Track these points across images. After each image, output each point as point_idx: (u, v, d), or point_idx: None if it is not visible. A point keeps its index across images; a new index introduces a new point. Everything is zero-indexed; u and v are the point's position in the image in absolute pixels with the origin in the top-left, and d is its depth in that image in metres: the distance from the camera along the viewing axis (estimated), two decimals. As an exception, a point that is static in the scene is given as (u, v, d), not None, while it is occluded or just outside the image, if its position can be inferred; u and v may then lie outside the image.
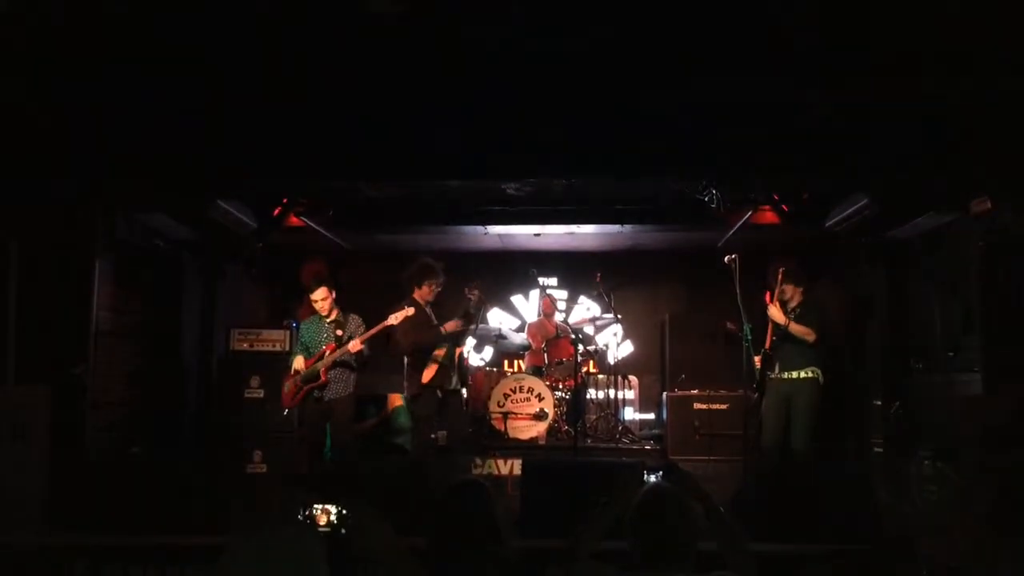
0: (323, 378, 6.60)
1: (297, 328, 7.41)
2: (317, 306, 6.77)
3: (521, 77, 5.62)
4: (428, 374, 6.74)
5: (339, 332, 6.70)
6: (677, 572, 2.65)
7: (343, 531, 2.78)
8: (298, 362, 6.70)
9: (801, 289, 6.63)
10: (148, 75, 5.68)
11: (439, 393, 6.84)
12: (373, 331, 6.74)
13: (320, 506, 2.83)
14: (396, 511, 4.93)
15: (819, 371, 6.48)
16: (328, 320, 6.77)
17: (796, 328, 6.43)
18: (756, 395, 6.74)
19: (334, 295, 6.82)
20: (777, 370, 6.59)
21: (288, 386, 6.77)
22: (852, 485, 5.16)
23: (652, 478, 3.02)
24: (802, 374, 6.46)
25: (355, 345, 6.58)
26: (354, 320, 6.85)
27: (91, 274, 6.58)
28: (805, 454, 6.36)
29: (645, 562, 2.71)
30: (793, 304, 6.60)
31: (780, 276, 6.63)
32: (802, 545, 4.20)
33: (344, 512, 2.84)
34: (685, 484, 2.99)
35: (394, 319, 6.77)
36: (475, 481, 3.05)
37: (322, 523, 2.86)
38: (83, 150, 5.95)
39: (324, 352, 6.62)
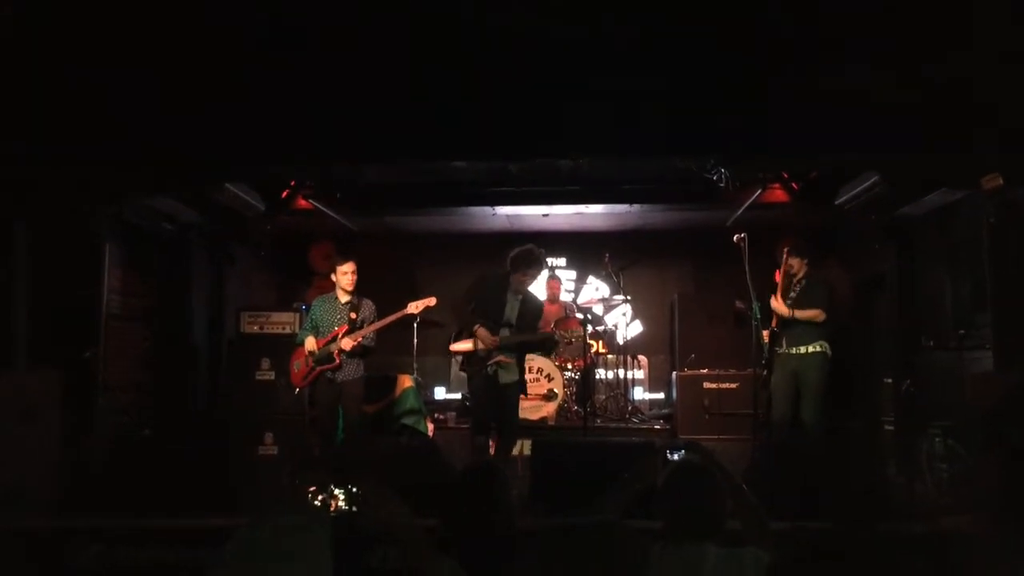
0: (337, 360, 6.59)
1: (307, 309, 7.40)
2: (345, 280, 6.68)
3: (525, 57, 5.59)
4: (459, 347, 6.60)
5: (353, 315, 6.68)
6: (706, 544, 2.70)
7: (354, 509, 2.79)
8: (310, 342, 6.66)
9: (806, 261, 6.63)
10: (153, 59, 5.68)
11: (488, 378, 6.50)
12: (391, 319, 6.75)
13: (330, 490, 2.83)
14: (409, 492, 4.97)
15: (827, 345, 6.49)
16: (343, 301, 6.75)
17: (802, 314, 6.45)
18: (764, 372, 6.75)
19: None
20: (785, 346, 6.60)
21: (299, 365, 6.76)
22: (863, 463, 5.17)
23: (675, 456, 3.06)
24: (810, 348, 6.49)
25: (360, 336, 6.59)
26: (367, 305, 6.83)
27: (100, 258, 6.60)
28: (815, 427, 6.38)
29: (675, 535, 2.76)
30: (799, 277, 6.60)
31: (785, 252, 6.64)
32: (812, 523, 4.20)
33: (355, 491, 2.85)
34: (708, 461, 3.03)
35: (414, 308, 6.78)
36: (491, 463, 3.07)
37: (332, 508, 2.86)
38: (91, 133, 5.94)
39: (337, 333, 6.61)
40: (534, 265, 6.53)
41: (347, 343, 6.54)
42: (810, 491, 4.64)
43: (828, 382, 6.48)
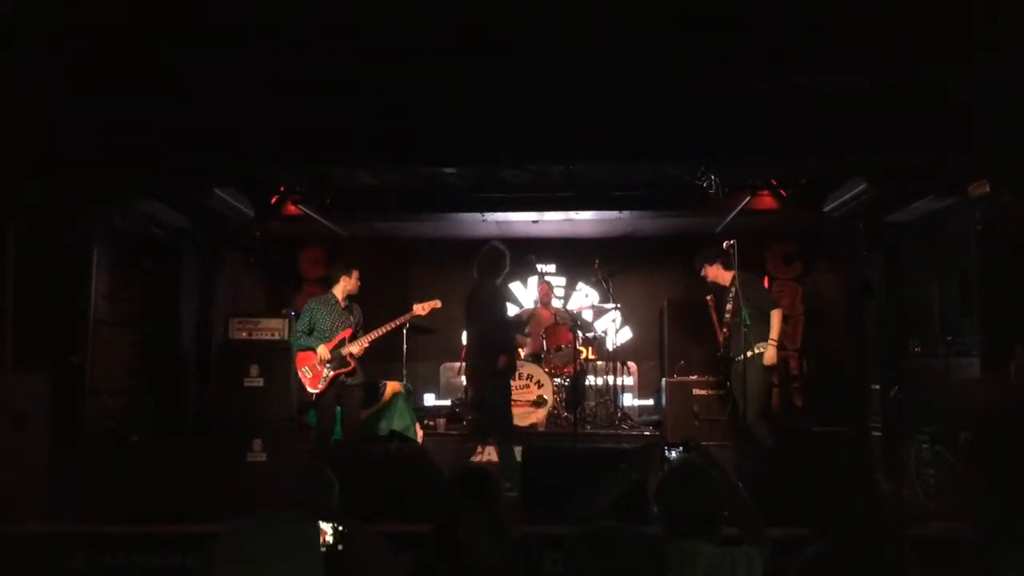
0: (352, 364, 6.66)
1: (296, 315, 7.39)
2: (352, 287, 6.89)
3: (520, 63, 5.61)
4: (505, 361, 6.61)
5: (351, 318, 6.78)
6: (701, 542, 2.74)
7: (340, 548, 2.80)
8: (323, 350, 6.70)
9: (719, 264, 6.71)
10: (145, 62, 5.68)
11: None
12: (399, 321, 6.84)
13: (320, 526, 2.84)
14: (399, 498, 4.96)
15: (766, 346, 6.61)
16: (343, 306, 6.84)
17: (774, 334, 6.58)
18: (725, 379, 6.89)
19: None
20: (732, 355, 6.75)
21: (309, 371, 6.76)
22: (850, 468, 5.18)
23: (673, 453, 3.10)
24: (748, 353, 6.58)
25: (370, 339, 6.67)
26: (358, 308, 6.94)
27: (88, 262, 6.57)
28: (756, 430, 6.49)
29: (672, 531, 2.80)
30: (727, 287, 6.65)
31: (704, 267, 6.86)
32: (796, 529, 4.21)
33: (341, 530, 2.85)
34: (706, 457, 3.07)
35: (420, 309, 6.84)
36: (482, 469, 3.09)
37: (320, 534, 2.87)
38: (80, 138, 5.92)
39: (343, 336, 6.67)
40: (504, 264, 6.71)
41: (358, 348, 6.63)
42: (798, 497, 4.65)
43: (767, 384, 6.60)
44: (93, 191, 6.43)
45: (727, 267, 6.73)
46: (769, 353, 6.61)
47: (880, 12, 5.37)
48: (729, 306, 6.68)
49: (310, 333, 6.76)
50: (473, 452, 6.88)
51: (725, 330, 6.79)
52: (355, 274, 6.88)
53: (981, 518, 4.27)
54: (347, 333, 6.70)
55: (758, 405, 6.59)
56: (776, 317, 6.66)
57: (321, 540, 2.75)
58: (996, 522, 4.01)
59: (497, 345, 6.56)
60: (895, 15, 5.35)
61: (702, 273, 6.88)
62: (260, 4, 5.39)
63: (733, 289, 6.64)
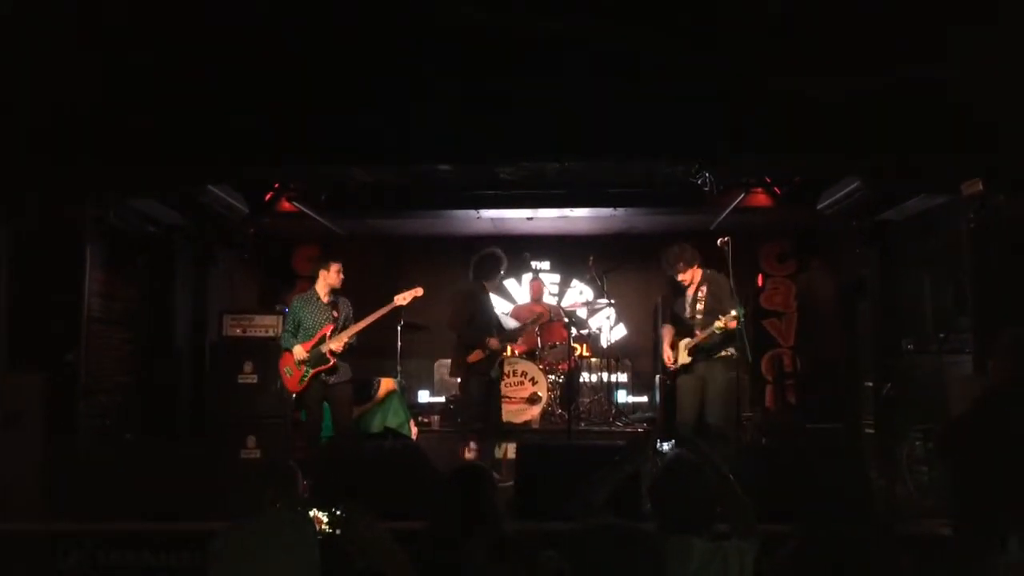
0: (332, 361, 6.56)
1: (288, 312, 7.36)
2: (333, 280, 6.71)
3: (516, 61, 5.61)
4: (475, 357, 6.71)
5: (335, 314, 6.67)
6: (692, 537, 2.76)
7: (337, 531, 2.79)
8: (299, 351, 6.59)
9: (698, 265, 6.58)
10: (139, 61, 5.67)
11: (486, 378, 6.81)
12: (379, 313, 6.74)
13: (313, 512, 2.82)
14: (394, 495, 4.96)
15: (733, 350, 6.41)
16: (325, 301, 6.73)
17: (727, 323, 6.36)
18: (667, 380, 6.84)
19: None
20: (695, 352, 6.53)
21: (290, 371, 6.68)
22: (843, 465, 5.19)
23: (665, 446, 3.12)
24: (717, 355, 6.40)
25: (349, 334, 6.58)
26: (346, 303, 6.82)
27: (82, 260, 6.56)
28: (721, 431, 6.35)
29: (665, 526, 2.83)
30: (698, 285, 6.57)
31: (680, 265, 6.55)
32: (789, 525, 4.22)
33: (339, 514, 2.84)
34: (697, 452, 3.09)
35: (401, 299, 6.79)
36: (476, 465, 3.10)
37: (316, 530, 2.85)
38: (76, 137, 5.91)
39: (324, 333, 6.58)
40: (499, 269, 7.04)
41: (337, 344, 6.51)
42: (790, 493, 4.66)
43: (734, 387, 6.43)
44: (88, 189, 6.42)
45: (695, 265, 6.64)
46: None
47: (880, 12, 5.37)
48: (700, 305, 6.54)
49: (296, 332, 6.67)
50: (457, 449, 6.89)
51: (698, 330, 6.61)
52: (334, 267, 6.69)
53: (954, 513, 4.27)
54: (327, 329, 6.60)
55: (724, 408, 6.38)
56: (733, 319, 6.56)
57: (317, 528, 2.75)
58: (968, 518, 4.01)
59: (467, 342, 6.78)
60: (895, 15, 5.36)
61: (681, 277, 6.66)
62: (260, 4, 5.38)
63: (703, 287, 6.55)
